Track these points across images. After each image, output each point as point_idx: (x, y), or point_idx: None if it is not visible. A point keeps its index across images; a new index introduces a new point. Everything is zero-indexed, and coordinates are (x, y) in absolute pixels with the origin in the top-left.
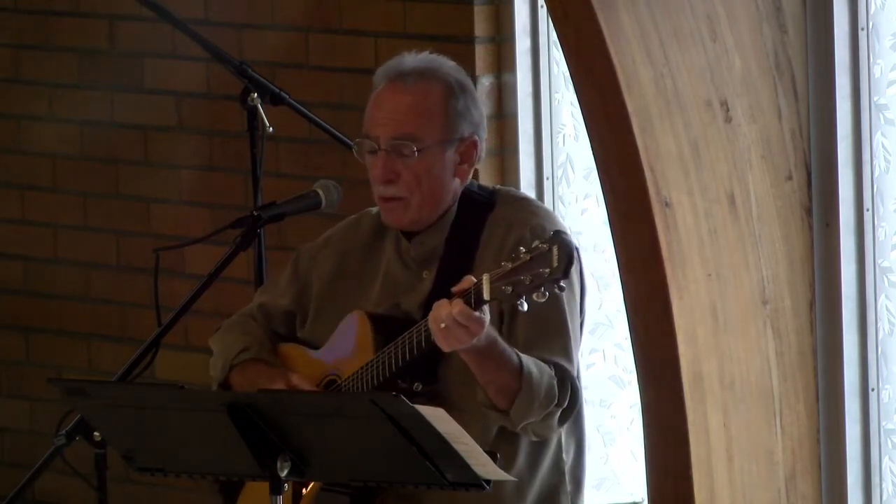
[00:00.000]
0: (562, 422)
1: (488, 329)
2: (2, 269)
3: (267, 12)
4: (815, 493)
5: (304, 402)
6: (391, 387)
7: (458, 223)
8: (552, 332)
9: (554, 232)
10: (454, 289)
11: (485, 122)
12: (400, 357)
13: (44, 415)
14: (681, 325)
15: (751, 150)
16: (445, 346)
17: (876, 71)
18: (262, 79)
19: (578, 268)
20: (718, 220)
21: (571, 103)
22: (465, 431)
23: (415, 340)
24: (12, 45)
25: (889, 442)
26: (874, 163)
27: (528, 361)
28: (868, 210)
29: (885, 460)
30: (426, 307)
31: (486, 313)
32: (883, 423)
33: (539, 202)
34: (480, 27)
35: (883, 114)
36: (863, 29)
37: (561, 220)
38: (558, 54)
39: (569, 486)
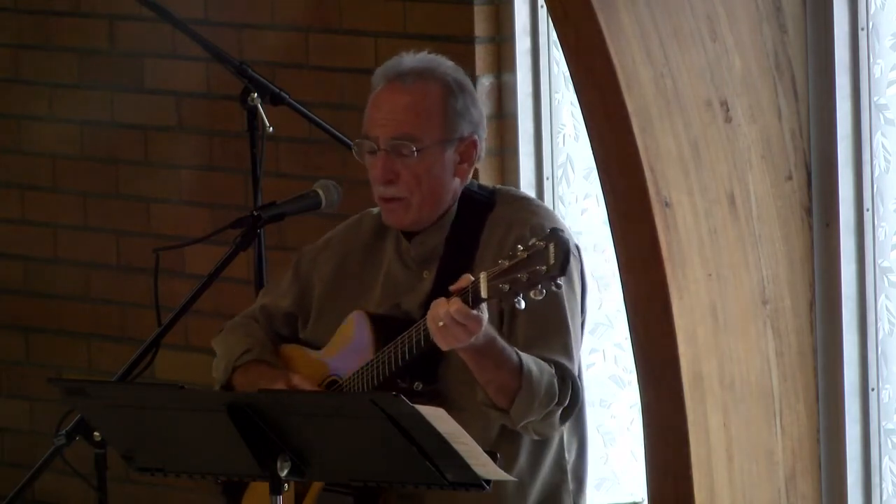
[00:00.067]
0: (563, 420)
1: (487, 328)
2: (2, 269)
3: (267, 12)
4: (815, 493)
5: (304, 402)
6: (391, 386)
7: (458, 223)
8: (552, 331)
9: (551, 230)
10: (452, 287)
11: (484, 121)
12: (399, 357)
13: (44, 415)
14: (681, 325)
15: (751, 150)
16: (444, 345)
17: (876, 71)
18: (262, 79)
19: (579, 267)
20: (718, 220)
21: (571, 103)
22: (465, 431)
23: (414, 340)
24: (12, 45)
25: (889, 442)
26: (874, 163)
27: (528, 360)
28: (868, 210)
29: (885, 460)
30: (426, 307)
31: (483, 312)
32: (883, 423)
33: (539, 201)
34: (480, 27)
35: (883, 114)
36: (863, 29)
37: (561, 219)
38: (558, 54)
39: (571, 485)
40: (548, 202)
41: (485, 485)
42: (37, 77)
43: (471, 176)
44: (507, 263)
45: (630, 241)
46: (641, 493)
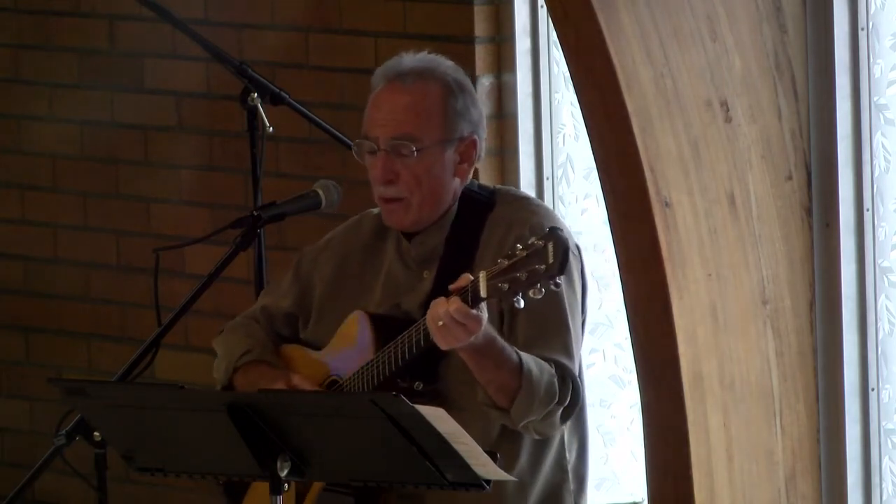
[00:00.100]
0: (564, 420)
1: (486, 327)
2: (2, 269)
3: (267, 12)
4: (815, 493)
5: (304, 402)
6: (391, 386)
7: (458, 223)
8: (552, 330)
9: (549, 228)
10: (451, 287)
11: (484, 121)
12: (399, 356)
13: (44, 415)
14: (681, 325)
15: (751, 150)
16: (443, 345)
17: (876, 71)
18: (262, 79)
19: (580, 267)
20: (718, 220)
21: (571, 103)
22: (465, 431)
23: (414, 339)
24: (12, 45)
25: (889, 442)
26: (874, 163)
27: (528, 360)
28: (868, 210)
29: (885, 460)
30: (426, 307)
31: (483, 311)
32: (883, 423)
33: (539, 201)
34: (480, 27)
35: (883, 114)
36: (863, 29)
37: (561, 219)
38: (558, 54)
39: (572, 485)
40: (548, 202)
41: (485, 485)
42: (37, 77)
43: (471, 176)
44: (506, 263)
45: (630, 241)
46: (641, 493)
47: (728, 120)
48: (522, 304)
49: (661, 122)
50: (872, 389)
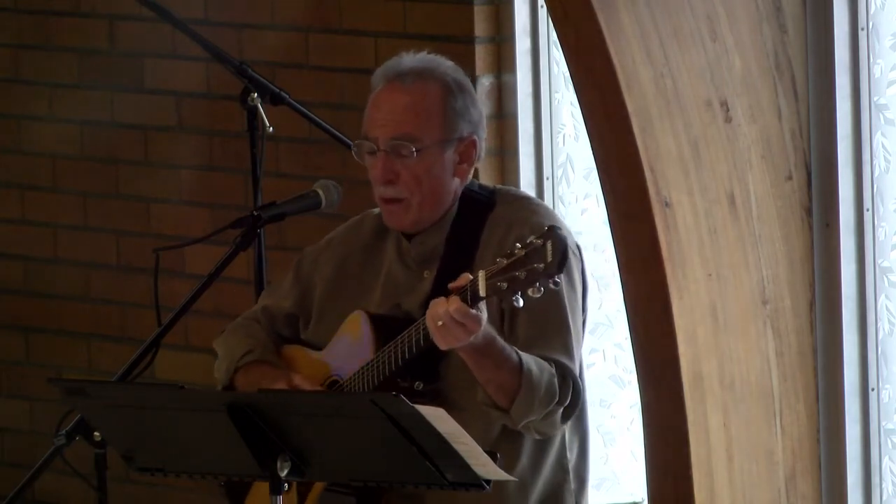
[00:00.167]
0: (564, 419)
1: (486, 327)
2: (2, 269)
3: (267, 12)
4: (815, 493)
5: (304, 402)
6: (392, 386)
7: (458, 222)
8: (553, 330)
9: (548, 227)
10: (451, 286)
11: (484, 121)
12: (399, 356)
13: (44, 415)
14: (681, 325)
15: (751, 150)
16: (443, 345)
17: (876, 71)
18: (262, 79)
19: (580, 266)
20: (718, 220)
21: (571, 103)
22: (465, 431)
23: (413, 339)
24: (12, 45)
25: (889, 442)
26: (874, 163)
27: (529, 360)
28: (868, 210)
29: (885, 460)
30: (427, 307)
31: (483, 311)
32: (883, 423)
33: (539, 200)
34: (480, 27)
35: (883, 114)
36: (863, 29)
37: (562, 218)
38: (558, 54)
39: (573, 484)
40: (548, 202)
41: (485, 485)
42: (37, 77)
43: (471, 176)
44: (505, 262)
45: (630, 241)
46: (641, 493)
47: (728, 120)
48: (522, 303)
49: (661, 122)
50: (872, 389)
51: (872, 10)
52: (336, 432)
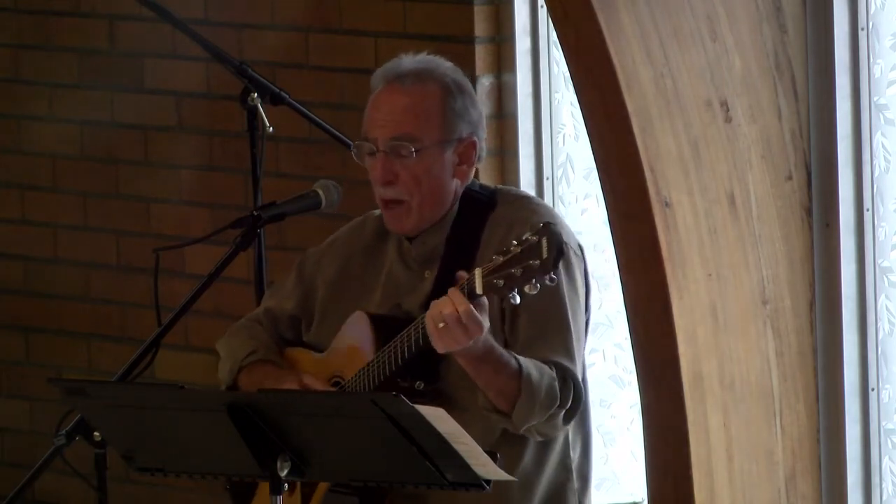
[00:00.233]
0: (566, 421)
1: (486, 336)
2: (2, 269)
3: (267, 12)
4: (815, 493)
5: (304, 402)
6: (392, 386)
7: (459, 222)
8: (553, 331)
9: (543, 224)
10: (450, 290)
11: (483, 122)
12: (399, 356)
13: (44, 415)
14: (681, 325)
15: (751, 150)
16: (440, 347)
17: (876, 71)
18: (262, 79)
19: (582, 266)
20: (718, 220)
21: (571, 103)
22: (465, 431)
23: (413, 339)
24: (12, 45)
25: (889, 442)
26: (874, 163)
27: (529, 365)
28: (868, 210)
29: (885, 460)
30: (427, 307)
31: (485, 320)
32: (883, 423)
33: (540, 200)
34: (480, 27)
35: (883, 114)
36: (863, 29)
37: (563, 218)
38: (558, 54)
39: (576, 484)
40: (548, 202)
41: (485, 485)
42: (37, 77)
43: (471, 177)
44: (501, 259)
45: (630, 241)
46: (641, 493)
47: (728, 120)
48: (519, 300)
49: (661, 122)
50: (872, 389)
51: (872, 10)
52: (336, 432)
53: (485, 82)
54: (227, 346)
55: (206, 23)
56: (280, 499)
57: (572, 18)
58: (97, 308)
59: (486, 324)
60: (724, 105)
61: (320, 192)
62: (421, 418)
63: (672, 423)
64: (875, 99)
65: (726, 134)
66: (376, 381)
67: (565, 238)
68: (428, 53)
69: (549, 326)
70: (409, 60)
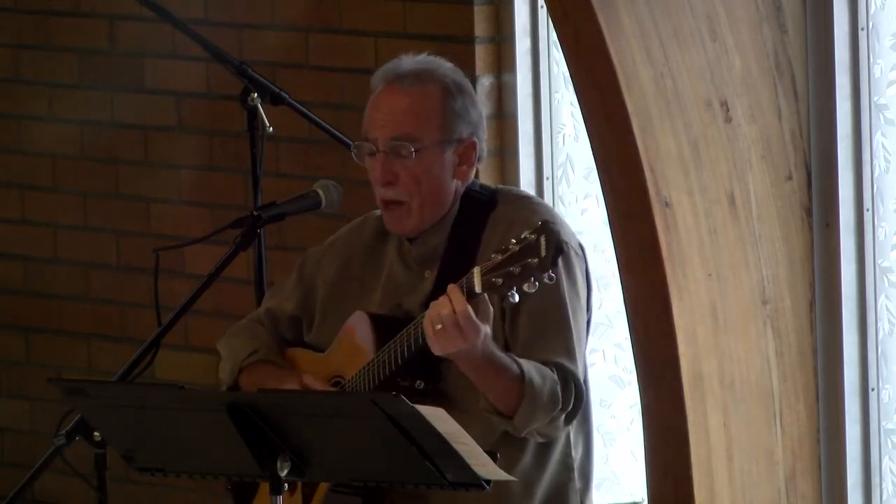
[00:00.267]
0: (568, 422)
1: (486, 343)
2: (2, 269)
3: (267, 12)
4: (815, 493)
5: (304, 402)
6: (392, 386)
7: (459, 222)
8: (554, 331)
9: (541, 222)
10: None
11: (484, 122)
12: (398, 356)
13: (44, 415)
14: (681, 325)
15: (751, 150)
16: (437, 349)
17: (876, 71)
18: (262, 79)
19: (584, 266)
20: (718, 220)
21: (571, 103)
22: (464, 431)
23: (412, 338)
24: (12, 45)
25: (889, 442)
26: (874, 163)
27: (531, 370)
28: (868, 210)
29: (885, 460)
30: (427, 307)
31: (487, 329)
32: (883, 423)
33: (540, 200)
34: (480, 27)
35: (883, 114)
36: (863, 29)
37: (563, 218)
38: (558, 54)
39: (578, 483)
40: (548, 202)
41: (485, 485)
42: (37, 77)
43: (471, 178)
44: (499, 257)
45: (630, 241)
46: (641, 493)
47: (728, 120)
48: (517, 298)
49: (661, 122)
50: (872, 389)
51: (872, 10)
52: (336, 432)
53: (485, 82)
54: (228, 347)
55: (206, 23)
56: (280, 499)
57: (572, 18)
58: (97, 308)
59: (486, 330)
60: (724, 105)
61: (320, 192)
62: (421, 418)
63: (672, 423)
64: (875, 99)
65: (726, 134)
66: (376, 380)
67: (566, 237)
68: (428, 54)
69: (550, 327)
70: (409, 61)
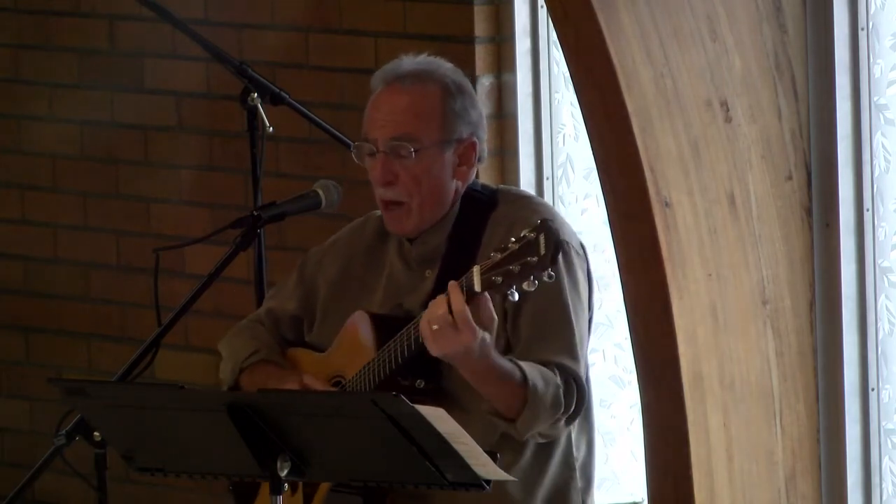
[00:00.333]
0: (569, 422)
1: (486, 350)
2: (2, 269)
3: (267, 12)
4: (815, 493)
5: (304, 402)
6: (393, 385)
7: (460, 222)
8: (555, 330)
9: (541, 221)
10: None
11: (484, 123)
12: (398, 355)
13: (44, 415)
14: (681, 325)
15: (751, 150)
16: (434, 349)
17: (876, 71)
18: (262, 79)
19: (585, 266)
20: (718, 220)
21: (571, 103)
22: (465, 431)
23: (412, 337)
24: (12, 45)
25: (889, 442)
26: (874, 163)
27: (534, 374)
28: (868, 210)
29: (885, 460)
30: (428, 306)
31: (489, 336)
32: (883, 423)
33: (541, 199)
34: (480, 27)
35: (883, 114)
36: (863, 29)
37: (564, 217)
38: (558, 54)
39: (579, 483)
40: (548, 202)
41: (485, 485)
42: (37, 77)
43: (472, 178)
44: (499, 256)
45: (630, 241)
46: (641, 493)
47: (728, 120)
48: (517, 297)
49: (661, 122)
50: (872, 389)
51: (872, 10)
52: (336, 432)
53: (485, 82)
54: (229, 347)
55: (206, 23)
56: (280, 499)
57: (572, 18)
58: (97, 308)
59: (485, 335)
60: (724, 105)
61: (320, 192)
62: (421, 418)
63: (672, 423)
64: (875, 99)
65: (726, 134)
66: (377, 380)
67: (566, 237)
68: (428, 54)
69: (552, 326)
70: (409, 61)
